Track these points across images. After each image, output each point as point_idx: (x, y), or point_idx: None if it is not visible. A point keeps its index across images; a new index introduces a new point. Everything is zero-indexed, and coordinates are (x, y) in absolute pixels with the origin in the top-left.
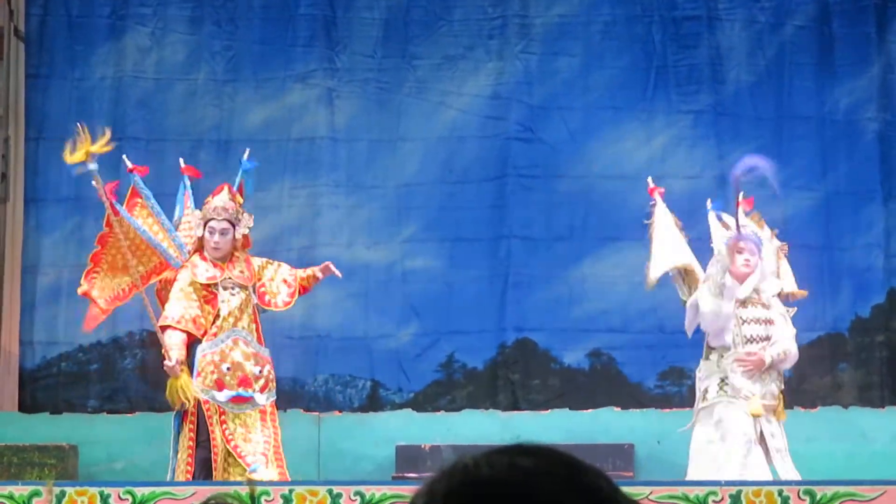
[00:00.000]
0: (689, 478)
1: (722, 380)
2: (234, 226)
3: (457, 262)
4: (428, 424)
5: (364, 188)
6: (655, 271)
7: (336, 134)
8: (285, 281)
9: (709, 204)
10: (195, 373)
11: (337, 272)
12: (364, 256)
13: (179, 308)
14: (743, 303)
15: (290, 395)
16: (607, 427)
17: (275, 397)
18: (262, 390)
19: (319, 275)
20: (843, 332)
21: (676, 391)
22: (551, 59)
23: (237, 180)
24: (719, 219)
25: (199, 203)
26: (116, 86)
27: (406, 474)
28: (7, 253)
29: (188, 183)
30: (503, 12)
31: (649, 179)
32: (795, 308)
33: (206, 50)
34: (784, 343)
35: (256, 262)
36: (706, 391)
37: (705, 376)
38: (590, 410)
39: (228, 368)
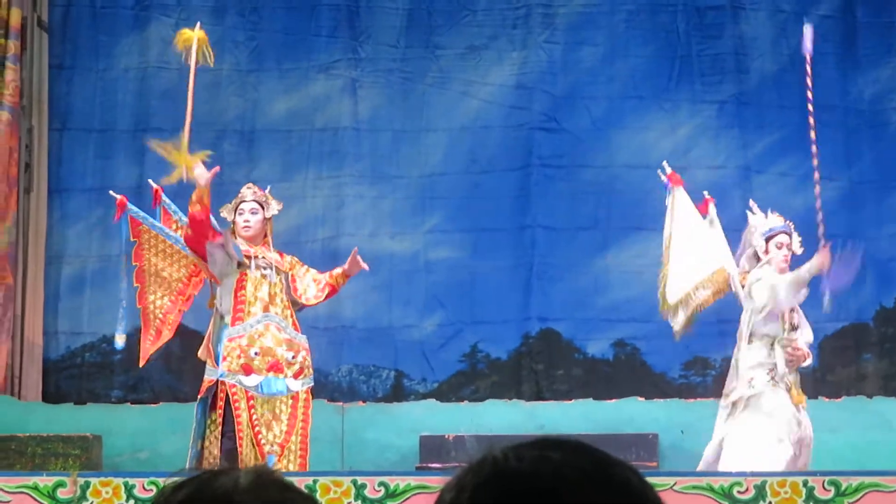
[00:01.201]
0: (727, 467)
1: (771, 368)
2: (263, 207)
3: (480, 253)
4: (452, 414)
5: (388, 178)
6: (673, 295)
7: (360, 124)
8: (315, 280)
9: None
10: (220, 356)
11: (363, 264)
12: (388, 247)
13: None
14: None
15: (314, 386)
16: (631, 417)
17: (311, 384)
18: (295, 376)
19: (348, 271)
20: (868, 322)
21: (700, 381)
22: (575, 49)
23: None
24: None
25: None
26: (140, 77)
27: (430, 464)
28: (31, 243)
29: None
30: (527, 2)
31: (665, 164)
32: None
33: (229, 40)
34: (806, 332)
35: (287, 257)
36: (752, 380)
37: (752, 365)
38: (614, 400)
39: (257, 353)
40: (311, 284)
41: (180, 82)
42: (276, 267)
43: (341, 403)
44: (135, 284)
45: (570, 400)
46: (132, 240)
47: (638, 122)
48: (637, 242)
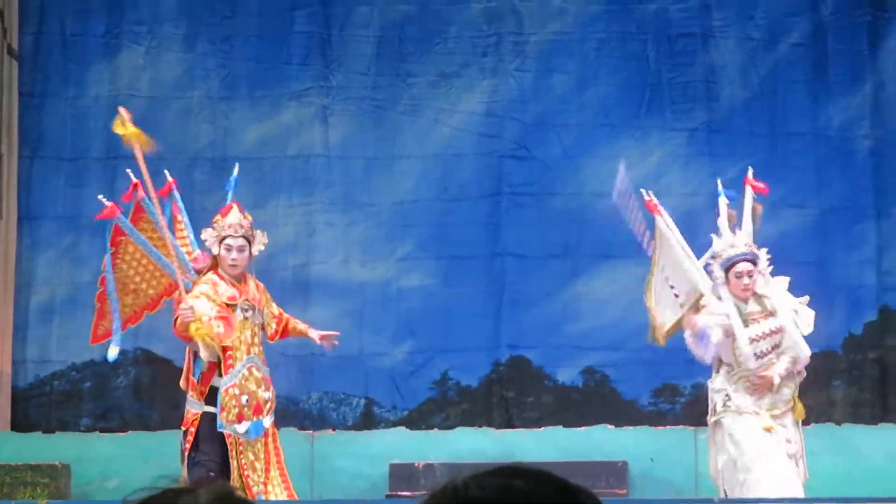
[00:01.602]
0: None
1: (728, 395)
2: (249, 243)
3: (451, 280)
4: (422, 442)
5: (359, 206)
6: (664, 319)
7: (331, 152)
8: (275, 316)
9: (720, 186)
10: (219, 407)
11: (328, 346)
12: (359, 274)
13: (203, 306)
14: (745, 322)
15: (285, 414)
16: (601, 444)
17: (273, 417)
18: (267, 413)
19: (313, 335)
20: (837, 349)
21: (670, 408)
22: (546, 77)
23: (231, 194)
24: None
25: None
26: (111, 104)
27: (400, 492)
28: (0, 271)
29: (177, 195)
30: (498, 30)
31: (644, 192)
32: (808, 297)
33: (200, 68)
34: (791, 351)
35: (261, 286)
36: (715, 405)
37: (715, 390)
38: (583, 428)
39: (247, 400)
40: (272, 321)
41: (151, 110)
42: (256, 306)
43: (311, 431)
44: (98, 286)
45: (540, 427)
46: (110, 248)
47: (608, 150)
48: (607, 270)
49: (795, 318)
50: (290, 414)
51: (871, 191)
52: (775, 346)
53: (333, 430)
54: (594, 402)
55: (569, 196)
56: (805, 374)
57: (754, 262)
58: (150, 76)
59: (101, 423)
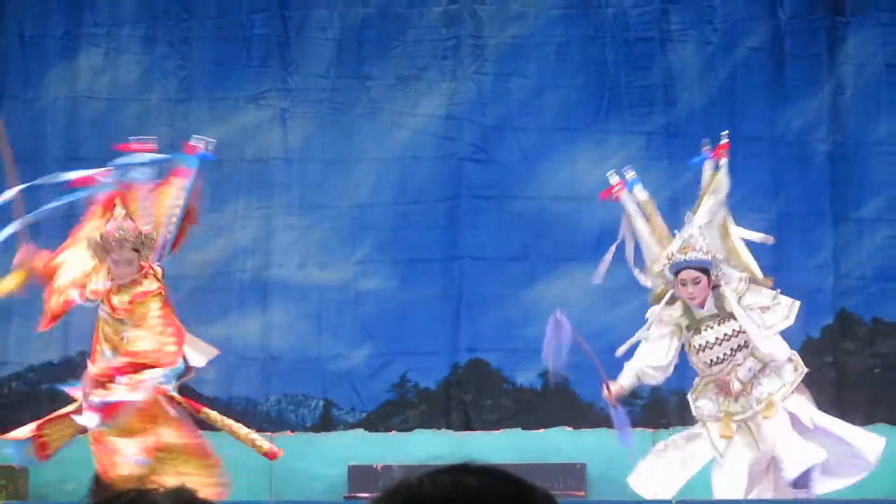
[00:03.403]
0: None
1: (695, 405)
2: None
3: (410, 283)
4: (380, 444)
5: (317, 209)
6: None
7: (290, 154)
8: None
9: (706, 149)
10: None
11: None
12: (317, 277)
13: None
14: (697, 329)
15: (243, 415)
16: (559, 447)
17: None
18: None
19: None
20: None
21: (629, 410)
22: (505, 80)
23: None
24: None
25: None
26: (70, 106)
27: (358, 494)
28: None
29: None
30: (457, 33)
31: (610, 176)
32: (778, 290)
33: (158, 70)
34: (760, 351)
35: None
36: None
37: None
38: (542, 430)
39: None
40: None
41: (110, 112)
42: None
43: (269, 433)
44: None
45: (499, 430)
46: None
47: (567, 154)
48: (566, 273)
49: (761, 315)
50: (249, 416)
51: (829, 195)
52: (739, 348)
53: (292, 431)
54: (553, 404)
55: (528, 199)
56: (803, 369)
57: (705, 270)
58: (108, 78)
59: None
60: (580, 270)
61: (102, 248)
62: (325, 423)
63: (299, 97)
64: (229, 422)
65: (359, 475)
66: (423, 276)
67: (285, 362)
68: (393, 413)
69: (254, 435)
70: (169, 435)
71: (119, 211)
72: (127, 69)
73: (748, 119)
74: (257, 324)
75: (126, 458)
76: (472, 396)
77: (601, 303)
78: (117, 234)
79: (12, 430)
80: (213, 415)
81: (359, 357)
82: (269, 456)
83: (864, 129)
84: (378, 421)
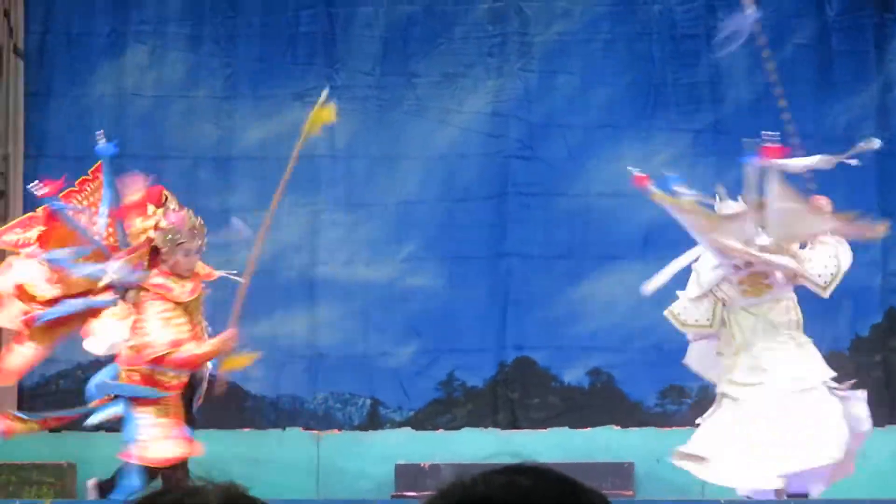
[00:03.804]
0: None
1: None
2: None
3: (456, 281)
4: (427, 443)
5: (364, 206)
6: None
7: (336, 152)
8: None
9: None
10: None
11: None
12: (364, 274)
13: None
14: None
15: (290, 413)
16: (607, 445)
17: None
18: None
19: None
20: (844, 352)
21: (676, 409)
22: (551, 77)
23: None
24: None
25: None
26: (116, 104)
27: (405, 493)
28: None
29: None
30: (503, 30)
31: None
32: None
33: (204, 68)
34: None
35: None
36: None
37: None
38: (589, 429)
39: None
40: None
41: (155, 109)
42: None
43: (317, 431)
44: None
45: (546, 428)
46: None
47: (613, 151)
48: (612, 271)
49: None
50: (296, 414)
51: (876, 192)
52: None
53: (339, 430)
54: (600, 403)
55: (574, 196)
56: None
57: None
58: (154, 76)
59: (107, 422)
60: (627, 267)
61: (172, 241)
62: (373, 421)
63: (345, 94)
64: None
65: (406, 474)
66: (469, 274)
67: (332, 360)
68: (440, 411)
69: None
70: None
71: (172, 204)
72: (173, 67)
73: (795, 116)
74: (304, 321)
75: None
76: (518, 395)
77: (647, 301)
78: (189, 223)
79: (62, 428)
80: None
81: (405, 355)
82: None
83: None
84: (425, 419)
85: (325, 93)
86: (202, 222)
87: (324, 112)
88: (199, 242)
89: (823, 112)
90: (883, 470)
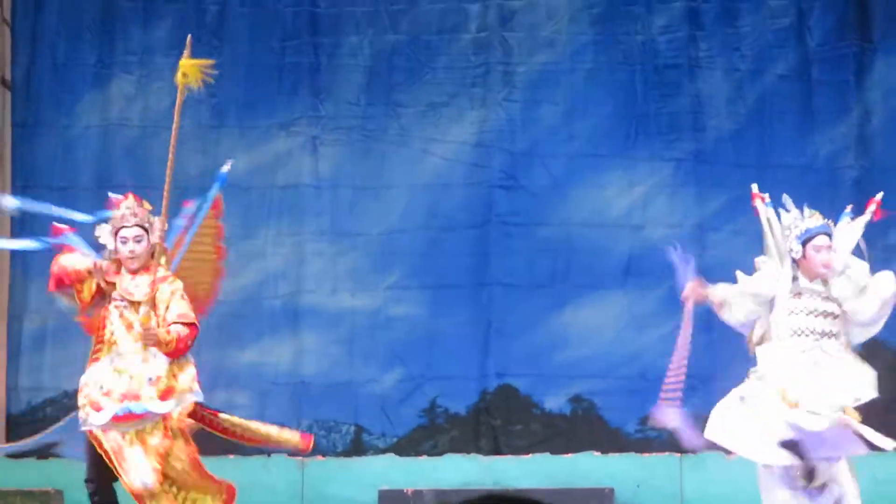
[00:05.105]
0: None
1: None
2: (147, 231)
3: (440, 309)
4: (411, 469)
5: (348, 235)
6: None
7: (320, 181)
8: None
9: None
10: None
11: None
12: (348, 303)
13: None
14: (797, 293)
15: None
16: (588, 471)
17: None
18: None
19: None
20: None
21: (656, 436)
22: (534, 107)
23: (214, 193)
24: None
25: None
26: (102, 134)
27: None
28: None
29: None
30: (486, 60)
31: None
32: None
33: (190, 98)
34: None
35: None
36: None
37: None
38: (570, 455)
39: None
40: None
41: (142, 139)
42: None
43: (301, 458)
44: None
45: (528, 454)
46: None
47: (596, 180)
48: (594, 300)
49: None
50: None
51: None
52: (826, 334)
53: (323, 456)
54: (581, 429)
55: (557, 226)
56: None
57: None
58: (140, 106)
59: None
60: (609, 296)
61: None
62: (356, 448)
63: (330, 124)
64: (255, 425)
65: (389, 500)
66: (452, 303)
67: (316, 388)
68: (423, 438)
69: (280, 431)
70: (179, 462)
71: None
72: (159, 97)
73: (776, 146)
74: (288, 349)
75: (135, 473)
76: (501, 421)
77: (630, 329)
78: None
79: (49, 455)
80: (235, 419)
81: (389, 382)
82: (303, 447)
83: (892, 154)
84: (408, 446)
85: (189, 38)
86: (147, 207)
87: (189, 66)
88: (138, 231)
89: (805, 142)
90: None
